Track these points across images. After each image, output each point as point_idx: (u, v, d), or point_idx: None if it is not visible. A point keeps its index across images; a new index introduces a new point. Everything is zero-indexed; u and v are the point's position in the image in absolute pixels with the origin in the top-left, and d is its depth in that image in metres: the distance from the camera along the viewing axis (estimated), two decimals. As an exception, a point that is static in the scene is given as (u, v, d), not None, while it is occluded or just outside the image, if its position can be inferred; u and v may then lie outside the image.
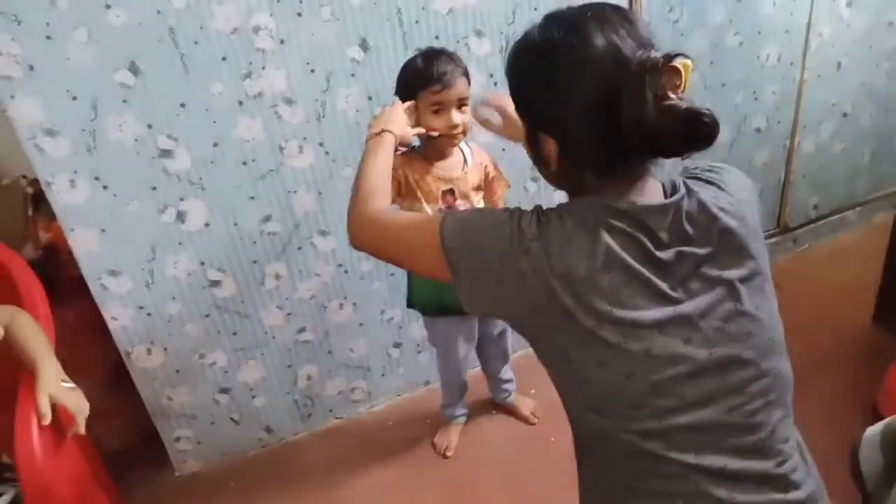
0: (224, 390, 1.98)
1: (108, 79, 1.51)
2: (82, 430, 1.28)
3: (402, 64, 1.51)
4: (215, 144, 1.67)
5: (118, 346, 1.79)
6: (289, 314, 1.96)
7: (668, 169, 0.85)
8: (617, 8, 0.79)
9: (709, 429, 0.78)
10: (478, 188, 1.65)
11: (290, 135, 1.74)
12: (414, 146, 1.58)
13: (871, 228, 2.94)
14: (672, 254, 0.78)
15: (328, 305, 2.01)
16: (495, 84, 1.90)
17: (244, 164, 1.72)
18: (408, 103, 1.43)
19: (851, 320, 2.32)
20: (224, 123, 1.65)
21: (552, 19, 0.81)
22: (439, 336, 1.86)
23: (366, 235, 1.04)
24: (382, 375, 2.20)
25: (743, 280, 0.81)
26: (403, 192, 1.56)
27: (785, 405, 0.84)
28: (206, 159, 1.67)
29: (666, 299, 0.78)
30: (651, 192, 0.82)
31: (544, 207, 0.84)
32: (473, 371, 2.06)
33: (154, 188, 1.65)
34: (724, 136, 2.41)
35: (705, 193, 0.83)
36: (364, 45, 1.72)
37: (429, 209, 1.57)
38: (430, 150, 1.57)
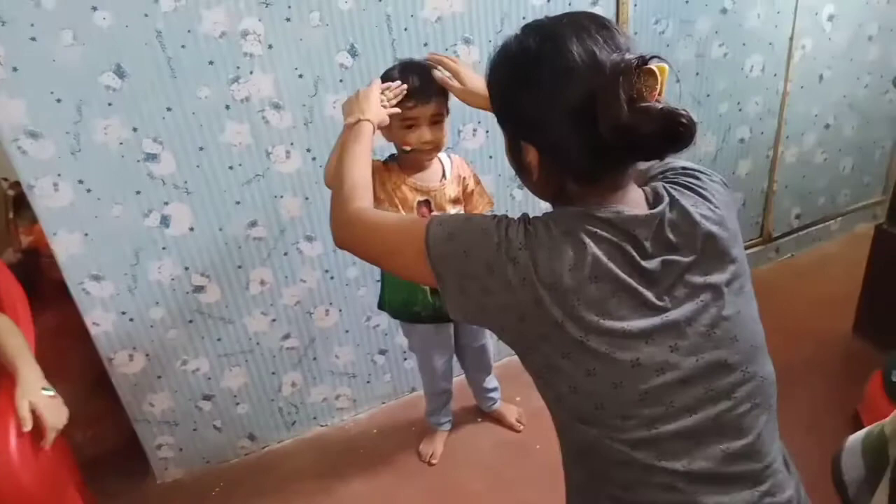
0: (207, 397, 1.96)
1: (94, 81, 1.50)
2: (48, 444, 1.26)
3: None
4: (201, 148, 1.65)
5: (100, 351, 1.77)
6: (273, 320, 1.95)
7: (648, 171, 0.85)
8: (593, 16, 0.79)
9: (698, 434, 0.79)
10: (456, 201, 1.62)
11: (278, 140, 1.73)
12: (392, 155, 1.58)
13: (852, 238, 2.98)
14: (657, 263, 0.79)
15: (314, 312, 1.99)
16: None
17: (230, 168, 1.71)
18: (384, 84, 1.35)
19: (833, 329, 2.35)
20: (211, 128, 1.64)
21: (529, 29, 0.81)
22: (416, 343, 1.86)
23: (350, 235, 1.01)
24: (368, 382, 2.19)
25: (726, 284, 0.82)
26: (379, 200, 1.53)
27: (770, 408, 0.85)
28: (191, 163, 1.66)
29: (653, 308, 0.78)
30: (634, 201, 0.82)
31: (531, 216, 0.84)
32: (459, 378, 2.06)
33: (138, 192, 1.63)
34: (708, 145, 2.44)
35: (687, 201, 0.83)
36: (353, 51, 1.72)
37: None
38: (407, 160, 1.55)
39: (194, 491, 1.99)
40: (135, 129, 1.57)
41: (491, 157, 1.97)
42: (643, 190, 0.85)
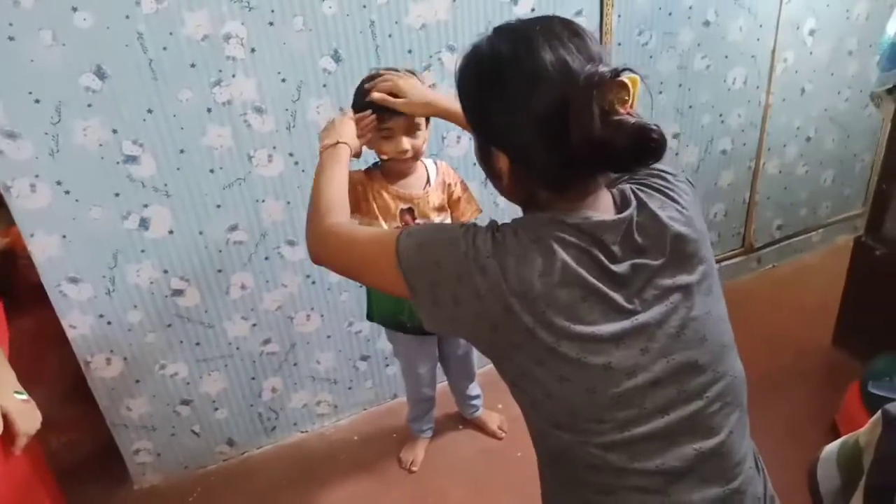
0: (185, 402, 1.94)
1: (74, 82, 1.48)
2: (18, 450, 1.23)
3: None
4: (182, 151, 1.64)
5: (77, 354, 1.75)
6: (254, 325, 1.94)
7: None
8: (566, 22, 0.79)
9: (671, 435, 0.80)
10: (440, 209, 1.60)
11: (260, 143, 1.72)
12: (375, 162, 1.57)
13: (833, 250, 3.01)
14: (626, 266, 0.79)
15: (295, 316, 1.98)
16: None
17: (211, 171, 1.70)
18: (358, 115, 1.35)
19: (812, 340, 2.37)
20: (192, 130, 1.64)
21: (500, 33, 0.80)
22: (401, 350, 1.85)
23: (324, 250, 1.02)
24: (349, 388, 2.17)
25: (695, 285, 0.82)
26: (363, 209, 1.53)
27: (741, 406, 0.86)
28: (172, 166, 1.65)
29: (622, 312, 0.78)
30: (603, 206, 0.82)
31: (499, 223, 0.83)
32: (441, 385, 2.05)
33: (117, 194, 1.62)
34: (690, 157, 2.46)
35: (654, 203, 0.83)
36: (336, 57, 1.72)
37: (386, 227, 1.53)
38: (388, 168, 1.54)
39: (172, 497, 1.97)
40: (115, 131, 1.56)
41: (475, 163, 1.97)
42: (611, 192, 0.85)
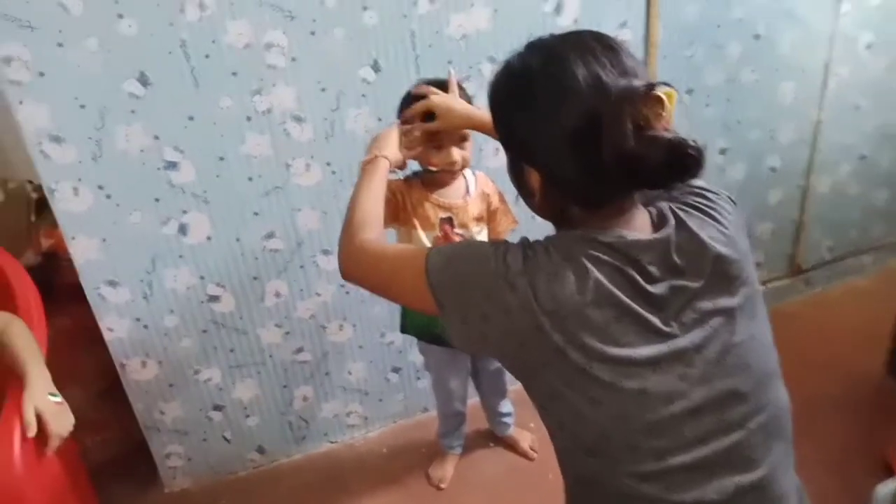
0: (217, 407, 1.95)
1: (117, 88, 1.51)
2: (51, 452, 1.25)
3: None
4: (221, 158, 1.66)
5: (113, 357, 1.77)
6: (287, 333, 1.93)
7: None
8: (599, 36, 0.77)
9: (710, 466, 0.76)
10: (479, 219, 1.58)
11: (298, 152, 1.73)
12: (415, 171, 1.55)
13: (886, 273, 2.87)
14: (664, 287, 0.76)
15: (328, 326, 1.98)
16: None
17: (250, 179, 1.71)
18: (404, 127, 1.34)
19: (864, 367, 2.26)
20: (231, 138, 1.65)
21: (533, 48, 0.80)
22: (432, 363, 1.83)
23: (354, 266, 1.03)
24: (380, 400, 2.16)
25: (738, 308, 0.78)
26: (402, 218, 1.52)
27: (785, 438, 0.82)
28: (211, 173, 1.66)
29: (659, 335, 0.75)
30: (639, 224, 0.80)
31: (530, 240, 0.81)
32: (473, 401, 2.02)
33: (157, 199, 1.64)
34: (738, 173, 2.38)
35: (694, 222, 0.80)
36: (376, 67, 1.71)
37: (424, 237, 1.53)
38: (430, 178, 1.52)
39: (201, 501, 1.98)
40: (156, 137, 1.58)
41: (513, 176, 1.95)
42: (648, 210, 0.82)
